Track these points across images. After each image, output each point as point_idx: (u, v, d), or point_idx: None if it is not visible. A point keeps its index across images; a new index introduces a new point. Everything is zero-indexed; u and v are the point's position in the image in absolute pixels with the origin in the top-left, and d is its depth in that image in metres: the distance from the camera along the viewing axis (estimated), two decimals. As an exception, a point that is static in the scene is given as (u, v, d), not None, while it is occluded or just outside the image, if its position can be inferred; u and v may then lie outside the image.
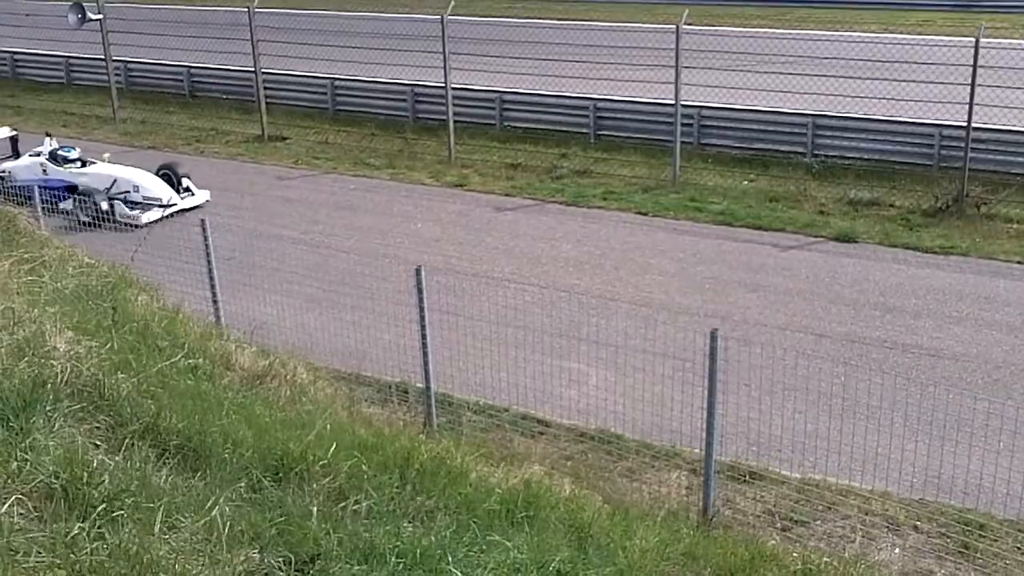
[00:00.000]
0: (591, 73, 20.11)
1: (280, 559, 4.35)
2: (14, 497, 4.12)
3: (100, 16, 22.02)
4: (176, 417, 5.24)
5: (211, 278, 10.50)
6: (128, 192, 16.30)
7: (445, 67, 18.39)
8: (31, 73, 27.45)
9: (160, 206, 16.22)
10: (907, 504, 8.25)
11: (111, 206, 15.78)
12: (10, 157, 18.22)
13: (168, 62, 24.93)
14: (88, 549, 3.97)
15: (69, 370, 5.23)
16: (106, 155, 17.64)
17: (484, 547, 4.81)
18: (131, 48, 23.98)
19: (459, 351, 10.12)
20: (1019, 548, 7.76)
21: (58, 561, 3.88)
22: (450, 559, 4.54)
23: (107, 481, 4.39)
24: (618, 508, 7.05)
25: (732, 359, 8.82)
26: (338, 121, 21.97)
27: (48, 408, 4.83)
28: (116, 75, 23.71)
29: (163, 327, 7.19)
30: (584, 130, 19.57)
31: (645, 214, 15.86)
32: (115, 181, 16.46)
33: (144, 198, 16.28)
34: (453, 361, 10.02)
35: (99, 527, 4.13)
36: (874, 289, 12.84)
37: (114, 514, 4.22)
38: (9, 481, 4.24)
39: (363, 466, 5.43)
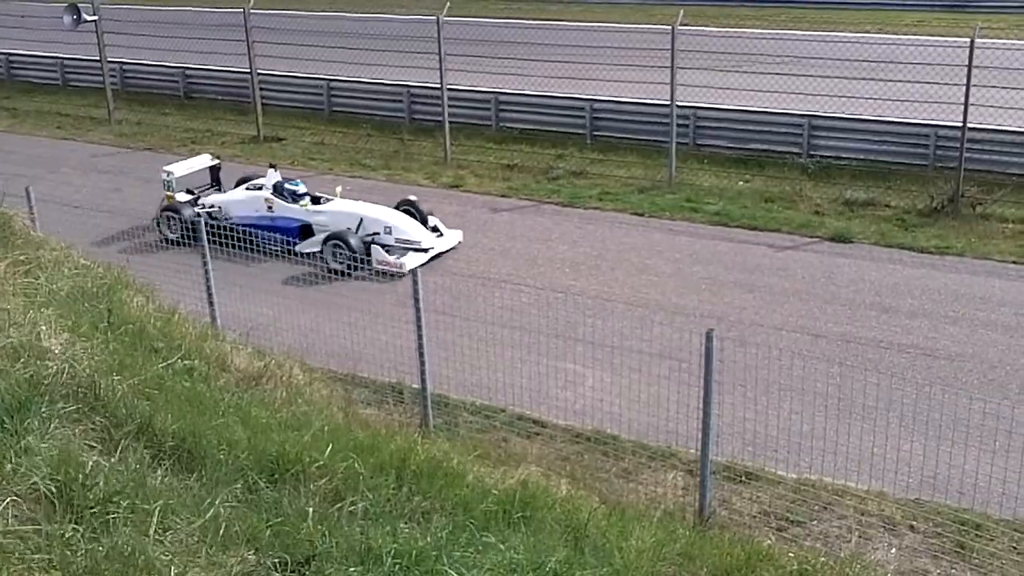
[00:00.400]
0: (587, 74, 20.13)
1: (276, 560, 4.35)
2: (9, 499, 4.10)
3: (95, 17, 21.98)
4: (171, 418, 5.23)
5: (207, 280, 10.50)
6: (377, 234, 13.95)
7: (441, 68, 18.38)
8: (26, 74, 27.40)
9: (418, 250, 13.93)
10: (903, 504, 8.26)
11: (368, 250, 13.72)
12: (211, 188, 15.85)
13: (163, 63, 24.90)
14: (83, 551, 3.97)
15: (64, 371, 5.22)
16: (338, 188, 15.07)
17: (480, 548, 4.81)
18: (126, 49, 23.95)
19: (455, 352, 10.12)
20: (1015, 548, 7.78)
21: (54, 563, 3.87)
22: (446, 560, 4.54)
23: (102, 483, 4.38)
24: (614, 508, 7.04)
25: (728, 359, 8.83)
26: (334, 122, 21.96)
27: (43, 410, 4.81)
28: (111, 76, 23.68)
29: (159, 328, 7.17)
30: (580, 131, 19.58)
31: (641, 215, 15.87)
32: (361, 221, 14.08)
33: (397, 240, 13.92)
34: (449, 362, 10.02)
35: (94, 529, 4.12)
36: (870, 289, 12.85)
37: (109, 516, 4.21)
38: (4, 483, 4.23)
39: (359, 467, 5.42)
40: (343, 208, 14.46)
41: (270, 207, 14.56)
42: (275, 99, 22.19)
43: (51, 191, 15.40)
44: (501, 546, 4.87)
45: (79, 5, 21.50)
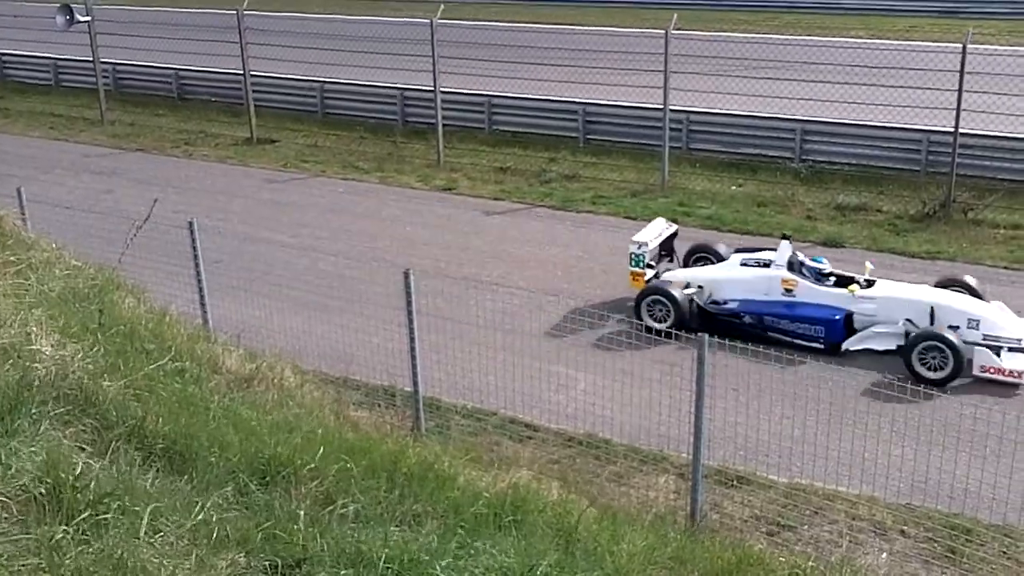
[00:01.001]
0: (580, 77, 20.15)
1: (266, 563, 4.33)
2: (-2, 500, 4.09)
3: (88, 18, 21.95)
4: (162, 420, 5.21)
5: (199, 281, 10.47)
6: (957, 328, 10.70)
7: (434, 71, 18.40)
8: (18, 75, 27.37)
9: (1018, 350, 10.60)
10: (894, 509, 8.27)
11: (969, 352, 10.52)
12: (664, 259, 13.10)
13: (157, 64, 24.88)
14: (73, 553, 3.95)
15: (55, 373, 5.19)
16: (869, 264, 11.83)
17: (472, 551, 4.80)
18: (119, 50, 23.92)
19: (447, 355, 10.11)
20: (1005, 553, 7.79)
21: (43, 565, 3.85)
22: (437, 564, 4.53)
23: (92, 485, 4.36)
24: (606, 512, 7.04)
25: (720, 364, 8.84)
26: (327, 124, 21.96)
27: (33, 411, 4.79)
28: (104, 77, 23.63)
29: (150, 330, 7.15)
30: (573, 134, 19.60)
31: (634, 218, 15.84)
32: (932, 311, 10.93)
33: (985, 338, 10.61)
34: (441, 365, 10.01)
35: (84, 531, 4.10)
36: (861, 294, 12.84)
37: (99, 518, 4.19)
38: (-7, 485, 4.21)
39: (351, 470, 5.42)
40: (901, 294, 11.28)
41: (788, 289, 11.56)
42: (268, 101, 22.16)
43: (43, 192, 15.37)
44: (492, 550, 4.86)
45: (72, 5, 21.48)
